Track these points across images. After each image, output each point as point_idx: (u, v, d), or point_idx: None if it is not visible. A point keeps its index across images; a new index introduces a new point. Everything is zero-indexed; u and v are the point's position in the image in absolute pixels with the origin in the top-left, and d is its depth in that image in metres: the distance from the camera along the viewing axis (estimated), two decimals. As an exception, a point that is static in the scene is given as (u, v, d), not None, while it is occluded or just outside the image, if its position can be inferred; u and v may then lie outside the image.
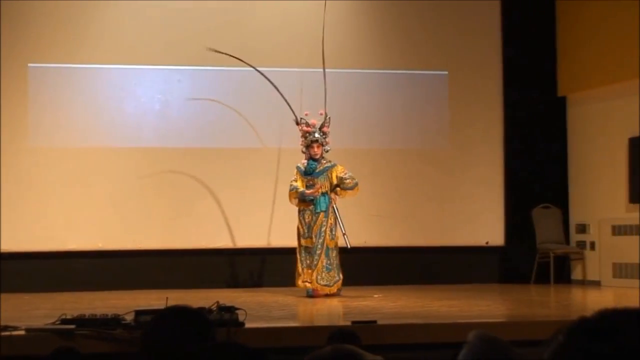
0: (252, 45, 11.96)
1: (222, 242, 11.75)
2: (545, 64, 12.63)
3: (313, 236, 10.13)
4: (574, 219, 12.57)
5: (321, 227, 10.15)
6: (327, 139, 10.37)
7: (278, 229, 11.59)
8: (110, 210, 11.56)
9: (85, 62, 11.65)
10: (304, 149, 10.41)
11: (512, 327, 7.09)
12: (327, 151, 10.37)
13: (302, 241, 10.20)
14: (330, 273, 10.13)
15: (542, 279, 12.05)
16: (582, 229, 12.42)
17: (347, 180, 10.24)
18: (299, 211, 10.29)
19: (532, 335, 5.95)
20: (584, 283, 12.16)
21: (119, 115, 11.75)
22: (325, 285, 10.10)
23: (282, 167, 11.43)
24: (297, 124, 10.44)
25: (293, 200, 10.31)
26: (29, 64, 11.53)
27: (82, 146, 11.60)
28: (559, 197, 12.53)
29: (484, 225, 12.50)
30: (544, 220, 12.39)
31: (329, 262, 10.13)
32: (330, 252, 10.17)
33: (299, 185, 10.24)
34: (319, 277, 10.08)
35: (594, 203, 12.15)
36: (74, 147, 11.58)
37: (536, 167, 12.53)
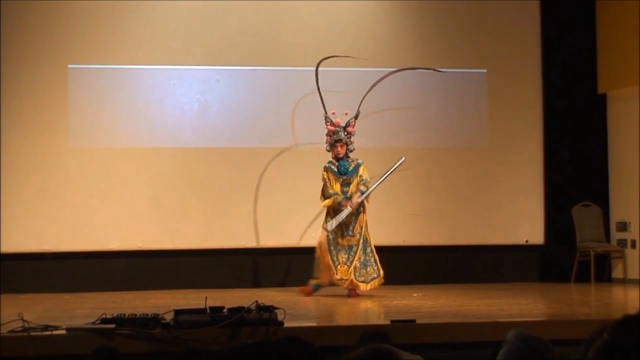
0: (290, 44, 11.99)
1: (262, 241, 11.77)
2: (586, 61, 12.52)
3: (356, 233, 10.12)
4: (615, 217, 12.46)
5: (361, 224, 10.15)
6: (351, 139, 10.35)
7: (318, 228, 11.57)
8: (150, 210, 11.62)
9: (124, 63, 11.71)
10: (328, 148, 10.40)
11: (552, 326, 7.05)
12: (351, 151, 10.33)
13: (341, 241, 10.14)
14: (368, 269, 10.11)
15: (583, 277, 11.97)
16: (623, 227, 12.31)
17: (362, 187, 10.18)
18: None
19: (572, 334, 5.90)
20: (625, 282, 12.06)
21: (159, 115, 11.80)
22: (362, 282, 10.08)
23: (319, 167, 11.40)
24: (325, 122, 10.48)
25: (328, 204, 10.25)
26: (69, 65, 11.61)
27: (121, 146, 11.67)
28: (600, 195, 12.42)
29: (524, 223, 12.42)
30: (584, 218, 12.30)
31: (365, 258, 10.12)
32: (366, 248, 10.16)
33: (337, 190, 10.18)
34: (357, 274, 10.06)
35: (634, 201, 12.03)
36: (114, 148, 11.65)
37: (576, 165, 12.42)
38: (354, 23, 12.21)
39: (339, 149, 10.25)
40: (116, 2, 11.72)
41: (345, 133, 10.30)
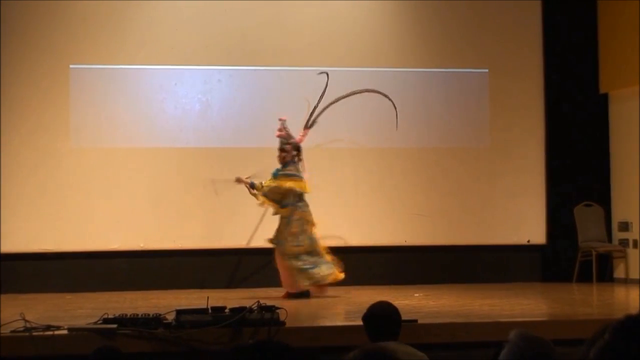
0: (291, 44, 11.98)
1: (263, 241, 11.75)
2: (587, 61, 12.51)
3: (303, 242, 10.06)
4: (617, 216, 12.46)
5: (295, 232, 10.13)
6: (287, 146, 10.17)
7: (321, 228, 11.55)
8: (151, 210, 11.61)
9: (126, 63, 11.71)
10: None
11: (554, 326, 7.05)
12: (284, 158, 10.19)
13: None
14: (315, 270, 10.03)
15: (584, 277, 11.96)
16: (625, 227, 12.31)
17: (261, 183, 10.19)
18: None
19: (574, 334, 5.91)
20: (627, 281, 12.05)
21: (160, 115, 11.80)
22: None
23: (321, 167, 11.41)
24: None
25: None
26: (71, 65, 11.61)
27: (123, 147, 11.67)
28: (601, 195, 12.41)
29: (526, 223, 12.42)
30: (586, 218, 12.29)
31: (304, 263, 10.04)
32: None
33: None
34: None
35: (636, 201, 12.02)
36: (115, 148, 11.65)
37: (578, 165, 12.41)
38: (355, 23, 12.20)
39: (278, 154, 10.22)
40: (118, 2, 11.72)
41: (282, 139, 10.22)
